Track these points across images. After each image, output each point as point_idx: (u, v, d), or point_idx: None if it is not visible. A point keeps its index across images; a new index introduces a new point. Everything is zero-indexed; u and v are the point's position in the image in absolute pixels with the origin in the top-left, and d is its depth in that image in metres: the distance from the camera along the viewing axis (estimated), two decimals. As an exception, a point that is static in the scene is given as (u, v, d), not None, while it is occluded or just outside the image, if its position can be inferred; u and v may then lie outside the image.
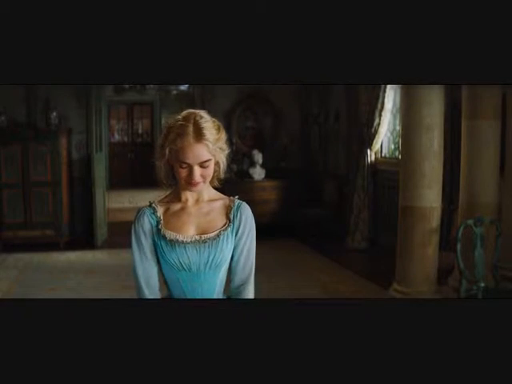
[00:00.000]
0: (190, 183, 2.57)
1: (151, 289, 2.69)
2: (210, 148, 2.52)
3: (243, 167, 11.65)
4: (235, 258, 2.71)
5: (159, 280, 2.72)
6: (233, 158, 11.32)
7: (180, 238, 2.63)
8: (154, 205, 2.70)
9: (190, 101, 11.97)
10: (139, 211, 2.71)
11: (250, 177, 11.44)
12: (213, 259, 2.63)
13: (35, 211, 10.64)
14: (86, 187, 10.96)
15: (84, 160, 11.19)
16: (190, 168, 2.54)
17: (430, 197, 6.11)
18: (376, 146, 9.80)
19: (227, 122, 11.67)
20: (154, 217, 2.67)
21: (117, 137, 19.16)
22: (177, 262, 2.62)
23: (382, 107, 9.29)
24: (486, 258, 5.72)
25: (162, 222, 2.66)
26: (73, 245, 10.58)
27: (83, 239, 10.81)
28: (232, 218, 2.67)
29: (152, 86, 12.96)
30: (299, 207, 11.30)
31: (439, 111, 6.11)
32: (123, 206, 14.19)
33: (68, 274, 8.73)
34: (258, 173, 11.45)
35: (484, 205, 6.19)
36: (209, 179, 2.63)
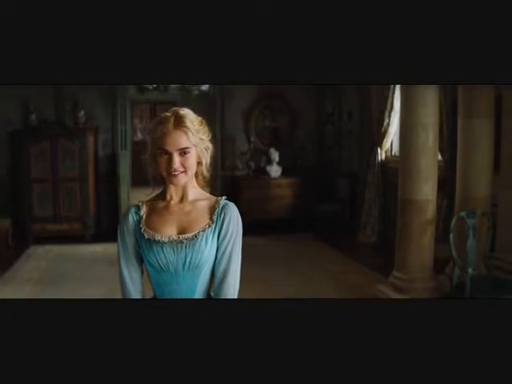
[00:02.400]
0: (170, 174, 2.56)
1: (136, 286, 2.70)
2: (190, 136, 2.54)
3: (260, 165, 11.94)
4: (217, 260, 2.65)
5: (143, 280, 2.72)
6: (251, 156, 11.82)
7: (157, 237, 2.61)
8: (140, 203, 2.72)
9: (210, 100, 12.24)
10: (126, 210, 2.73)
11: (267, 174, 11.72)
12: (190, 260, 2.59)
13: (63, 205, 10.95)
14: (111, 183, 11.38)
15: (109, 157, 11.53)
16: (170, 156, 2.54)
17: (426, 190, 6.50)
18: (386, 144, 10.13)
19: (246, 121, 12.06)
20: (136, 216, 2.68)
21: (140, 136, 19.32)
22: (155, 261, 2.60)
23: (392, 108, 9.61)
24: (478, 248, 6.17)
25: (143, 220, 2.66)
26: (98, 238, 10.85)
27: (108, 232, 10.86)
28: (215, 219, 2.64)
29: (174, 85, 13.21)
30: (313, 203, 11.52)
31: (434, 111, 6.48)
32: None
33: (93, 264, 9.17)
34: (275, 170, 11.75)
35: (478, 199, 6.58)
36: (191, 172, 2.61)
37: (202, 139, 2.60)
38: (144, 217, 2.68)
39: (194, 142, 2.56)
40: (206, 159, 2.66)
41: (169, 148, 2.53)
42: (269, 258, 9.17)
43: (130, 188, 11.66)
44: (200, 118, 2.65)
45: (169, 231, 2.63)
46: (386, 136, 10.01)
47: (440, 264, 6.92)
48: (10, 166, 11.02)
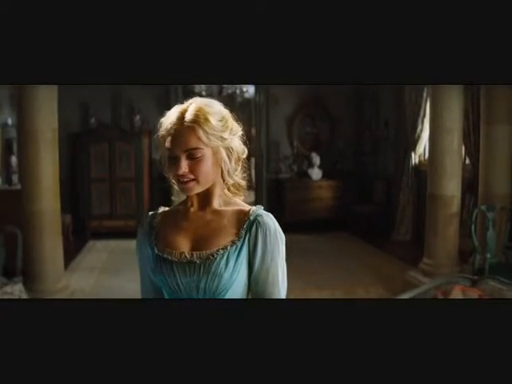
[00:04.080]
0: (178, 181, 2.03)
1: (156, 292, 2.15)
2: (201, 134, 1.98)
3: (303, 168, 12.50)
4: (255, 286, 2.06)
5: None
6: (294, 160, 12.54)
7: (166, 253, 2.07)
8: (157, 210, 2.22)
9: (255, 107, 12.85)
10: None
11: (309, 177, 12.28)
12: (205, 285, 2.01)
13: (119, 204, 11.63)
14: (163, 183, 12.10)
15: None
16: (177, 159, 1.99)
17: (451, 187, 7.28)
18: (419, 149, 10.69)
19: (289, 128, 12.61)
20: (150, 225, 2.18)
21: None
22: (165, 282, 2.06)
23: (424, 114, 10.12)
24: (497, 238, 6.92)
25: (154, 231, 2.15)
26: None
27: None
28: (243, 235, 2.04)
29: (217, 92, 13.69)
30: (351, 204, 12.05)
31: (459, 117, 7.28)
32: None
33: None
34: (316, 173, 12.32)
35: (498, 196, 7.24)
36: (204, 179, 2.03)
37: (221, 138, 2.03)
38: (156, 227, 2.17)
39: (207, 141, 1.99)
40: (227, 163, 2.08)
41: (173, 149, 2.00)
42: (310, 253, 9.81)
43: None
44: (224, 112, 2.09)
45: (182, 246, 2.08)
46: (420, 141, 10.57)
47: (466, 256, 7.60)
48: (70, 166, 11.54)
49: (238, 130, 2.12)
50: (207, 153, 2.01)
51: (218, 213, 2.11)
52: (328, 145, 12.92)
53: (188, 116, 1.99)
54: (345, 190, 12.36)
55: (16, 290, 4.66)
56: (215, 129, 2.01)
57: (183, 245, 2.08)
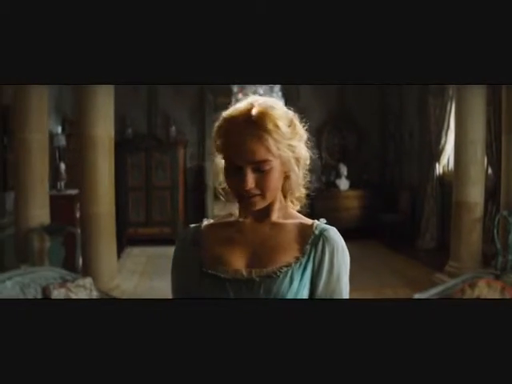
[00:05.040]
0: (242, 196, 1.76)
1: None
2: (271, 144, 1.71)
3: (331, 178, 12.81)
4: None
5: None
6: (322, 170, 12.71)
7: (217, 270, 1.80)
8: (201, 223, 1.93)
9: None
10: (182, 233, 1.97)
11: (336, 187, 12.63)
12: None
13: (155, 211, 12.03)
14: (197, 193, 12.48)
15: (196, 169, 12.65)
16: (241, 172, 1.72)
17: (474, 194, 7.86)
18: (443, 160, 11.06)
19: (318, 139, 12.76)
20: (192, 240, 1.89)
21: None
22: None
23: (448, 127, 10.51)
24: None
25: (199, 246, 1.87)
26: None
27: None
28: (308, 251, 1.80)
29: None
30: (378, 213, 12.35)
31: (482, 128, 7.86)
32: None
33: None
34: (344, 183, 12.70)
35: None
36: (270, 194, 1.78)
37: (291, 146, 1.76)
38: (202, 241, 1.89)
39: (276, 152, 1.73)
40: (296, 173, 1.83)
41: (236, 160, 1.73)
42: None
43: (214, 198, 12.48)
44: (290, 114, 1.82)
45: (236, 262, 1.81)
46: (444, 152, 10.95)
47: (489, 259, 8.03)
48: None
49: (304, 134, 1.84)
50: (276, 164, 1.74)
51: (277, 226, 1.85)
52: (354, 156, 13.25)
53: (255, 122, 1.70)
54: (371, 200, 12.69)
55: (87, 283, 5.17)
56: (285, 136, 1.73)
57: (237, 261, 1.80)
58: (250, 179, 1.71)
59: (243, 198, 1.76)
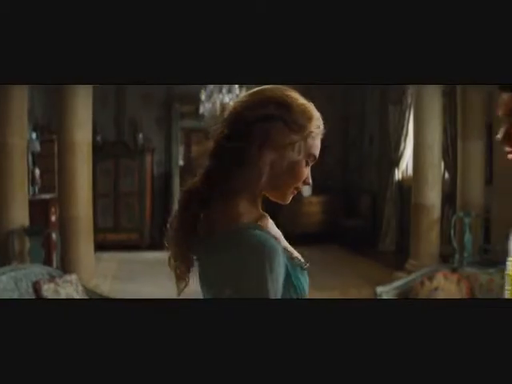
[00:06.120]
0: (296, 188, 1.81)
1: None
2: None
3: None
4: None
5: None
6: None
7: (297, 260, 1.75)
8: (257, 224, 1.71)
9: None
10: (252, 228, 1.68)
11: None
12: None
13: (123, 217, 12.26)
14: (163, 198, 12.73)
15: (163, 175, 12.93)
16: (301, 165, 1.77)
17: (432, 197, 8.37)
18: (402, 165, 11.49)
19: None
20: (275, 238, 1.71)
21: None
22: (298, 289, 1.73)
23: (407, 134, 10.95)
24: (473, 241, 7.89)
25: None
26: (152, 247, 11.70)
27: (162, 242, 12.08)
28: None
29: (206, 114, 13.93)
30: (340, 218, 12.76)
31: (438, 135, 8.40)
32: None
33: (155, 266, 10.13)
34: (306, 190, 12.45)
35: (474, 204, 8.21)
36: None
37: None
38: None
39: None
40: None
41: (312, 155, 1.79)
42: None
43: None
44: None
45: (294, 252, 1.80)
46: (402, 158, 11.38)
47: (446, 258, 8.48)
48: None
49: None
50: None
51: None
52: (317, 162, 13.41)
53: (320, 120, 1.80)
54: (333, 205, 13.04)
55: (73, 279, 5.45)
56: None
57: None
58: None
59: (295, 189, 1.80)
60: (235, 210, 1.71)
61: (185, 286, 1.80)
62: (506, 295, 2.13)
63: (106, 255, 11.50)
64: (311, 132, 1.75)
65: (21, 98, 7.12)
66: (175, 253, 1.77)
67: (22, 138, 7.14)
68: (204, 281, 1.79)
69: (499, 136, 2.00)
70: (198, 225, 1.73)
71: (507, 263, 2.12)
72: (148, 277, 9.58)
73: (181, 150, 16.32)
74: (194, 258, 1.77)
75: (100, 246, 11.58)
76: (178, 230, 1.74)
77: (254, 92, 1.76)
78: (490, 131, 8.12)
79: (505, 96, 2.00)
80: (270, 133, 1.69)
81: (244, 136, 1.68)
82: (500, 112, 2.01)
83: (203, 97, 10.64)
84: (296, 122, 1.71)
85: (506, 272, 2.13)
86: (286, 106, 1.71)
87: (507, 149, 2.00)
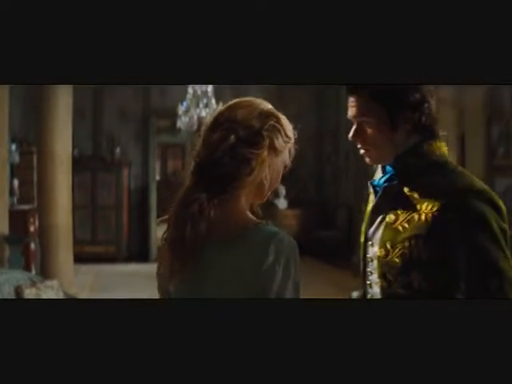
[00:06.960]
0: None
1: None
2: None
3: (269, 198, 13.17)
4: None
5: None
6: None
7: None
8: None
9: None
10: (265, 224, 1.88)
11: (275, 206, 12.87)
12: None
13: (100, 230, 12.36)
14: (140, 212, 12.80)
15: (140, 189, 12.96)
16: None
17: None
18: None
19: None
20: None
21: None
22: None
23: None
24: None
25: None
26: (130, 259, 12.12)
27: (139, 255, 12.25)
28: None
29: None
30: (315, 231, 12.82)
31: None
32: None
33: (132, 278, 10.66)
34: (282, 203, 13.08)
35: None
36: None
37: None
38: None
39: None
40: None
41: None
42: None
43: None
44: None
45: None
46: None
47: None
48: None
49: None
50: None
51: None
52: (293, 176, 12.96)
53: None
54: (309, 218, 13.12)
55: (55, 284, 5.53)
56: None
57: None
58: None
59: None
60: (240, 208, 1.86)
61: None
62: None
63: (84, 267, 11.46)
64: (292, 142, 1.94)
65: (1, 106, 7.17)
66: (173, 256, 1.82)
67: (2, 147, 7.18)
68: (210, 280, 1.82)
69: (350, 135, 2.17)
70: (200, 225, 1.79)
71: None
72: (121, 288, 9.77)
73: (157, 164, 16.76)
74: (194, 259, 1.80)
75: (77, 258, 11.63)
76: (183, 234, 1.79)
77: (246, 103, 1.90)
78: (462, 143, 8.23)
79: (352, 99, 2.12)
80: (273, 141, 1.86)
81: (254, 143, 1.81)
82: (349, 114, 2.14)
83: (180, 111, 10.64)
84: (286, 133, 1.91)
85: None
86: (278, 117, 1.90)
87: (359, 145, 2.19)
